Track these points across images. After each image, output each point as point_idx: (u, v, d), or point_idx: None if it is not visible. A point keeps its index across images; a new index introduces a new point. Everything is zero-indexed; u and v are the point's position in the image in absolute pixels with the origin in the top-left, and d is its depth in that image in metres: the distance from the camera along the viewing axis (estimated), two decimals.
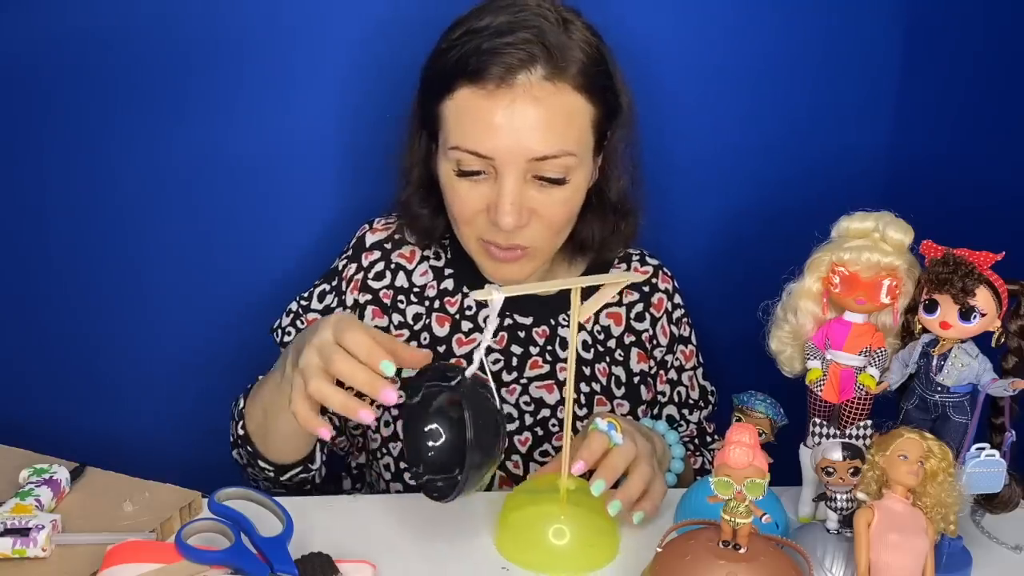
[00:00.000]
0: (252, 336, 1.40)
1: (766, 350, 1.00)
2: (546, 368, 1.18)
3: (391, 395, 0.84)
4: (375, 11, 1.32)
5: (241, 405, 1.08)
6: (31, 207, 1.38)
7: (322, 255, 1.28)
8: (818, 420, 0.95)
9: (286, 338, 1.19)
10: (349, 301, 1.18)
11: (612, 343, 1.21)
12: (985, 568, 0.92)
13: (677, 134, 1.40)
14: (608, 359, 1.21)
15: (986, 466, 0.88)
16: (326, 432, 0.87)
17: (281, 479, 1.07)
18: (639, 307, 1.23)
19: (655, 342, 1.23)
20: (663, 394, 1.25)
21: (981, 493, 0.91)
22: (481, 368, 0.86)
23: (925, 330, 0.90)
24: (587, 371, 1.20)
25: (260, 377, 1.08)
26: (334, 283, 1.19)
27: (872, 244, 0.91)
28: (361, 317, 1.17)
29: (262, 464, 1.06)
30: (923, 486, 0.82)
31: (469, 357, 1.17)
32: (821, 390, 0.93)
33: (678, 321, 1.25)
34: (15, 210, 1.38)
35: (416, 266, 1.19)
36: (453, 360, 1.17)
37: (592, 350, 1.20)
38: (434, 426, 0.90)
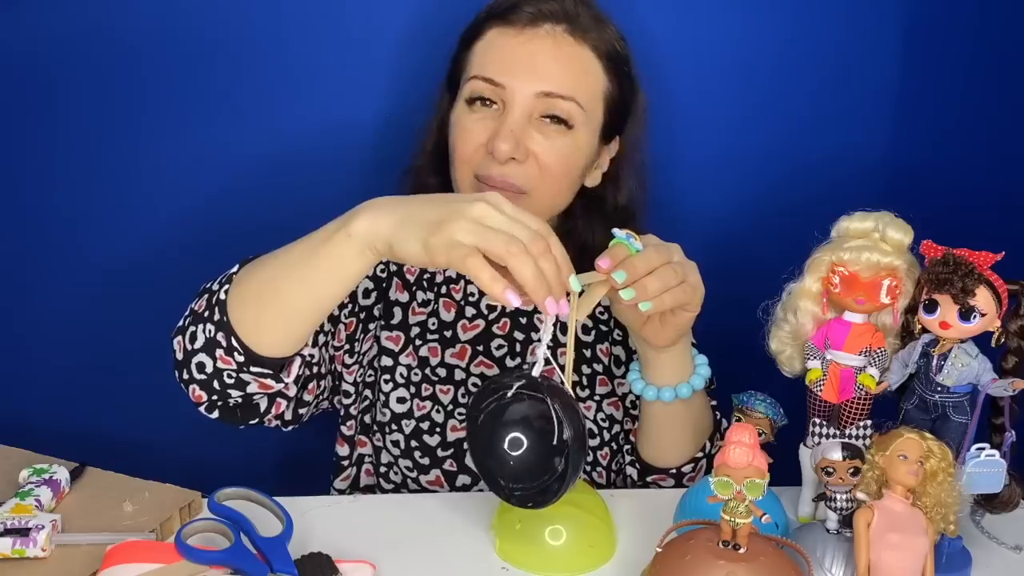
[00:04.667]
0: None
1: (766, 350, 1.00)
2: (548, 352, 1.18)
3: (564, 306, 0.81)
4: (381, 11, 1.32)
5: (233, 270, 0.97)
6: (30, 206, 1.38)
7: None
8: (818, 420, 0.94)
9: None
10: (380, 271, 1.19)
11: (612, 322, 1.23)
12: (985, 568, 0.93)
13: (677, 134, 1.40)
14: (609, 339, 1.22)
15: (986, 466, 0.88)
16: (515, 299, 0.79)
17: (250, 369, 0.93)
18: None
19: None
20: None
21: (981, 493, 0.91)
22: (550, 363, 0.86)
23: (925, 330, 0.90)
24: (588, 353, 1.21)
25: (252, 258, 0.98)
26: None
27: (872, 244, 0.91)
28: (388, 287, 1.18)
29: (233, 342, 0.91)
30: (923, 486, 0.82)
31: (474, 342, 1.18)
32: (821, 390, 0.93)
33: None
34: (14, 208, 1.38)
35: None
36: (458, 346, 1.18)
37: (592, 332, 1.21)
38: (516, 434, 0.86)
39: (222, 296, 0.93)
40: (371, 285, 1.19)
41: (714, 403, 1.26)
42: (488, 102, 1.07)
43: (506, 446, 0.86)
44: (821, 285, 0.94)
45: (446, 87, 1.16)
